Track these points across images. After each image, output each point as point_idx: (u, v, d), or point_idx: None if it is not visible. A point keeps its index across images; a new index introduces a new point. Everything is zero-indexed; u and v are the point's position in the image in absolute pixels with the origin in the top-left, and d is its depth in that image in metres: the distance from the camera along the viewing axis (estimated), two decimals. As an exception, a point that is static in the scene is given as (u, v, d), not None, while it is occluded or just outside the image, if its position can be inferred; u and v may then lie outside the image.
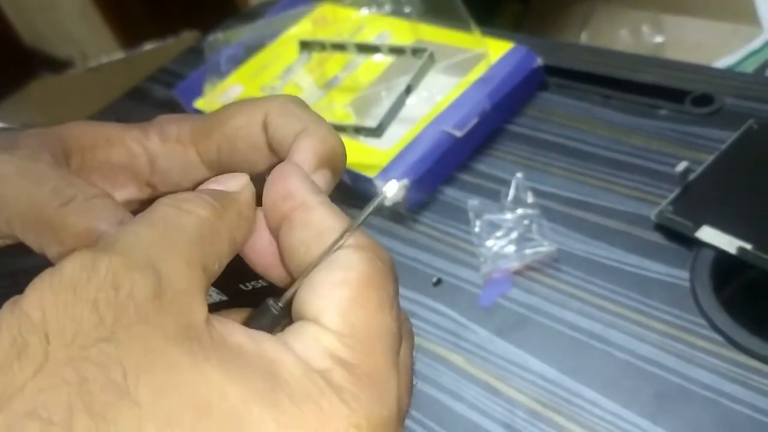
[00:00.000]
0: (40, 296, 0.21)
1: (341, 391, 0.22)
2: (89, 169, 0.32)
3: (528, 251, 0.55)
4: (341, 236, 0.25)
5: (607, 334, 0.50)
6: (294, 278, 0.26)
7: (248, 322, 0.25)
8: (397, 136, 0.64)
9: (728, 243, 0.50)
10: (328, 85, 0.72)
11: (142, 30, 1.60)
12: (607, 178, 0.60)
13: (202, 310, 0.22)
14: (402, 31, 0.74)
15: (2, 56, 1.92)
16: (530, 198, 0.59)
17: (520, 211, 0.58)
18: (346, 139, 0.54)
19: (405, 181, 0.60)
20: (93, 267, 0.21)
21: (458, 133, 0.63)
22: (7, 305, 0.21)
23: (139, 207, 0.33)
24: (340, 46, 0.75)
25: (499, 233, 0.57)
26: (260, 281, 0.29)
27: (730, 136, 0.57)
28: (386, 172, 0.61)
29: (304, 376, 0.22)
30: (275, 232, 0.27)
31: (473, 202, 0.60)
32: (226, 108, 0.32)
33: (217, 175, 0.29)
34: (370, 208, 0.26)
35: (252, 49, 0.79)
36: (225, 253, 0.25)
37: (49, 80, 1.54)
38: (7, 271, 0.42)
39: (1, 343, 0.20)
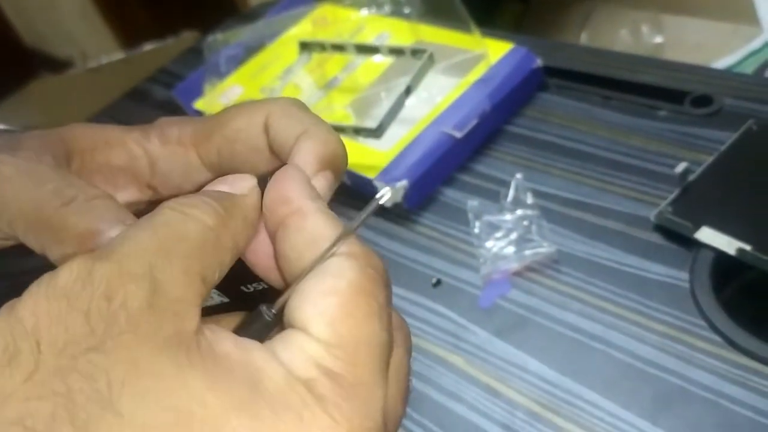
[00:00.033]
0: (35, 303, 0.21)
1: (324, 401, 0.22)
2: (90, 171, 0.32)
3: (527, 252, 0.55)
4: (334, 243, 0.25)
5: (606, 335, 0.50)
6: (288, 284, 0.26)
7: (241, 328, 0.25)
8: (397, 137, 0.64)
9: (728, 244, 0.50)
10: (328, 85, 0.72)
11: (142, 30, 1.60)
12: (606, 178, 0.60)
13: (193, 319, 0.22)
14: (402, 32, 0.74)
15: (2, 56, 1.92)
16: (530, 199, 0.59)
17: (519, 212, 0.58)
18: (346, 140, 0.54)
19: (403, 182, 0.60)
20: (88, 275, 0.21)
21: (458, 134, 0.63)
22: (3, 309, 0.21)
23: (141, 209, 0.34)
24: (339, 47, 0.75)
25: (498, 234, 0.57)
26: (262, 283, 0.29)
27: (729, 137, 0.57)
28: (386, 173, 0.61)
29: (286, 385, 0.22)
30: (272, 237, 0.27)
31: (473, 203, 0.60)
32: (226, 110, 0.32)
33: (217, 177, 0.29)
34: (363, 215, 0.26)
35: (252, 49, 0.79)
36: (226, 262, 0.25)
37: (49, 80, 1.54)
38: (9, 272, 0.42)
39: None
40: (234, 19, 0.92)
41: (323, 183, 0.28)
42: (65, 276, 0.21)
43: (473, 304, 0.55)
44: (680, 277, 0.51)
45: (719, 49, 0.80)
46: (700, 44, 0.84)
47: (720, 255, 0.50)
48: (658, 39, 0.88)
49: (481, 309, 0.54)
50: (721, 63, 0.78)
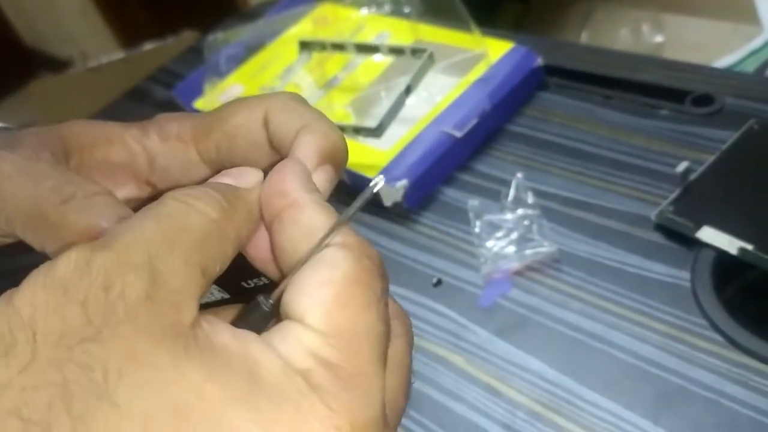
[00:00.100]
0: (33, 293, 0.21)
1: (322, 391, 0.21)
2: (89, 167, 0.32)
3: (528, 252, 0.55)
4: (328, 233, 0.25)
5: (607, 335, 0.50)
6: (285, 276, 0.26)
7: (239, 319, 0.25)
8: (397, 137, 0.64)
9: (729, 243, 0.50)
10: (328, 85, 0.72)
11: (142, 30, 1.60)
12: (607, 178, 0.60)
13: (191, 311, 0.22)
14: (402, 31, 0.74)
15: (2, 56, 1.92)
16: (530, 198, 0.59)
17: (520, 211, 0.58)
18: (346, 139, 0.54)
19: (403, 182, 0.59)
20: (86, 265, 0.21)
21: (458, 134, 0.63)
22: (1, 299, 0.21)
23: (139, 206, 0.33)
24: (339, 46, 0.75)
25: (499, 234, 0.57)
26: (262, 279, 0.29)
27: (730, 136, 0.57)
28: (386, 173, 0.61)
29: (284, 376, 0.21)
30: (269, 229, 0.27)
31: (473, 203, 0.60)
32: (226, 106, 0.32)
33: (216, 173, 0.29)
34: (357, 204, 0.26)
35: (252, 48, 0.79)
36: (228, 255, 0.25)
37: (49, 80, 1.54)
38: (7, 270, 0.42)
39: None
40: (234, 18, 0.92)
41: (324, 177, 0.28)
42: (63, 266, 0.21)
43: (474, 304, 0.54)
44: (681, 276, 0.51)
45: (720, 48, 0.80)
46: (700, 43, 0.84)
47: (721, 254, 0.50)
48: (659, 38, 0.88)
49: (481, 308, 0.54)
50: (722, 62, 0.78)
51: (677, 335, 0.48)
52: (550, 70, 0.69)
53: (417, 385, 0.50)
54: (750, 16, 0.80)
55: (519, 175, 0.60)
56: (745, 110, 0.60)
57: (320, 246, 0.24)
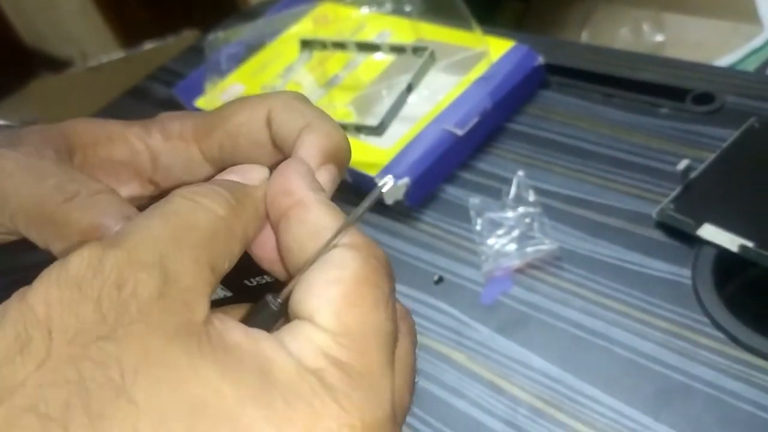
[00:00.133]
0: (46, 291, 0.21)
1: (334, 390, 0.21)
2: (91, 165, 0.32)
3: (529, 249, 0.55)
4: (336, 234, 0.25)
5: (608, 332, 0.50)
6: (291, 276, 0.26)
7: (248, 318, 0.25)
8: (398, 135, 0.64)
9: (730, 241, 0.50)
10: (329, 83, 0.72)
11: (143, 29, 1.60)
12: (608, 176, 0.60)
13: (203, 309, 0.22)
14: (403, 30, 0.74)
15: (2, 56, 1.92)
16: (531, 196, 0.59)
17: (521, 209, 0.58)
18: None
19: (405, 180, 0.60)
20: (99, 263, 0.21)
21: (459, 132, 0.63)
22: (14, 297, 0.21)
23: (142, 204, 0.33)
24: (340, 45, 0.75)
25: (500, 231, 0.57)
26: (265, 277, 0.29)
27: (731, 135, 0.57)
28: (387, 171, 0.61)
29: (297, 375, 0.21)
30: (275, 229, 0.27)
31: (474, 201, 0.60)
32: (228, 105, 0.32)
33: (219, 172, 0.29)
34: (366, 204, 0.26)
35: (253, 47, 0.79)
36: (236, 252, 0.25)
37: (49, 80, 1.54)
38: (12, 267, 0.42)
39: (5, 336, 0.20)
40: (235, 17, 0.92)
41: (326, 176, 0.28)
42: (76, 264, 0.21)
43: (475, 301, 0.55)
44: (682, 274, 0.51)
45: (720, 47, 0.80)
46: (700, 43, 0.84)
47: (722, 252, 0.50)
48: (659, 37, 0.88)
49: (483, 306, 0.54)
50: (722, 61, 0.78)
51: (678, 332, 0.48)
52: (550, 68, 0.69)
53: (420, 382, 0.51)
54: (750, 15, 0.80)
55: (520, 173, 0.60)
56: (746, 108, 0.60)
57: (328, 246, 0.25)
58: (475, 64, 0.67)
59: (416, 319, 0.44)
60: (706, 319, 0.48)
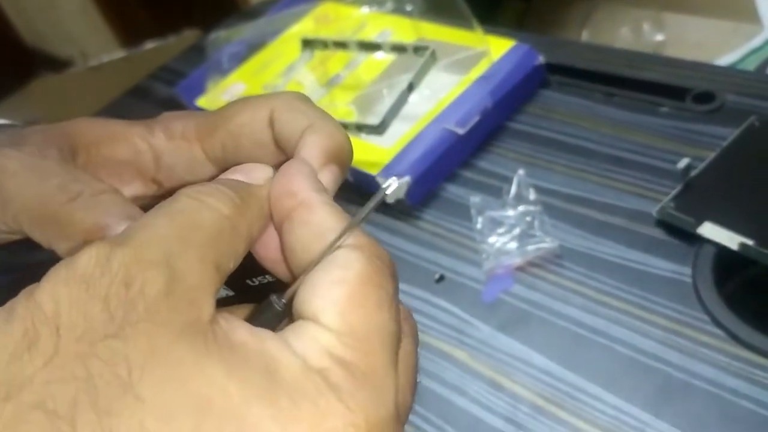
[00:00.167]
0: (54, 288, 0.21)
1: (339, 390, 0.22)
2: (95, 165, 0.32)
3: (530, 247, 0.55)
4: (341, 234, 0.25)
5: (609, 330, 0.50)
6: (295, 276, 0.26)
7: (252, 318, 0.25)
8: (399, 134, 0.64)
9: (730, 239, 0.50)
10: (330, 83, 0.72)
11: (143, 29, 1.60)
12: (608, 174, 0.60)
13: (209, 308, 0.22)
14: (403, 29, 0.74)
15: (3, 56, 1.92)
16: (532, 195, 0.59)
17: (522, 207, 0.58)
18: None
19: (406, 178, 0.60)
20: (107, 262, 0.21)
21: (460, 131, 0.63)
22: (22, 294, 0.21)
23: (145, 204, 0.34)
24: (342, 44, 0.75)
25: (501, 230, 0.57)
26: (267, 277, 0.29)
27: (731, 133, 0.57)
28: (388, 170, 0.61)
29: (302, 374, 0.22)
30: (278, 229, 0.27)
31: (475, 199, 0.60)
32: (230, 105, 0.32)
33: (222, 172, 0.30)
34: (370, 206, 0.26)
35: (254, 47, 0.79)
36: (240, 251, 0.25)
37: (49, 79, 1.54)
38: (15, 266, 0.42)
39: (13, 333, 0.20)
40: (236, 16, 0.92)
41: (329, 177, 0.28)
42: (84, 262, 0.21)
43: (476, 299, 0.55)
44: (683, 272, 0.51)
45: (720, 47, 0.80)
46: (701, 42, 0.85)
47: (722, 250, 0.50)
48: (659, 37, 0.88)
49: (484, 304, 0.54)
50: (722, 61, 0.78)
51: (679, 330, 0.48)
52: (551, 67, 0.69)
53: (421, 380, 0.51)
54: (750, 15, 0.80)
55: (521, 171, 0.60)
56: (746, 107, 0.60)
57: (333, 247, 0.25)
58: (476, 64, 0.67)
59: (417, 317, 0.44)
60: (706, 317, 0.49)
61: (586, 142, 0.63)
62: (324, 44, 0.76)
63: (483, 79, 0.66)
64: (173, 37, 1.39)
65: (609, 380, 0.47)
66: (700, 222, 0.52)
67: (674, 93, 0.64)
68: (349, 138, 0.30)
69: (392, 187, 0.27)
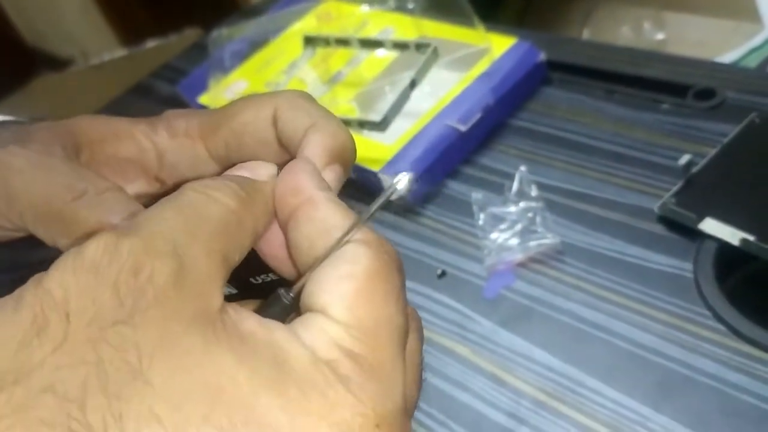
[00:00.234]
0: (63, 276, 0.21)
1: (348, 381, 0.22)
2: (98, 162, 0.32)
3: (532, 243, 0.56)
4: (349, 230, 0.25)
5: (610, 325, 0.50)
6: (301, 273, 0.26)
7: (260, 311, 0.26)
8: (401, 131, 0.64)
9: (731, 234, 0.50)
10: (333, 80, 0.72)
11: (144, 28, 1.60)
12: (610, 171, 0.60)
13: (218, 298, 0.22)
14: (405, 27, 0.74)
15: (3, 56, 1.92)
16: (534, 191, 0.59)
17: (523, 204, 0.58)
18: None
19: (412, 174, 0.60)
20: (115, 250, 0.21)
21: (462, 128, 0.63)
22: (31, 282, 0.21)
23: (149, 202, 0.34)
24: (344, 42, 0.75)
25: (503, 226, 0.58)
26: (270, 275, 0.29)
27: (732, 130, 0.58)
28: (390, 166, 0.61)
29: (311, 365, 0.22)
30: (283, 227, 0.27)
31: (477, 196, 0.60)
32: (233, 103, 0.32)
33: (225, 170, 0.30)
34: (379, 202, 0.26)
35: (256, 44, 0.80)
36: (246, 244, 0.25)
37: (50, 78, 1.54)
38: (18, 264, 0.42)
39: (21, 319, 0.20)
40: (238, 14, 0.93)
41: (332, 176, 0.29)
42: (92, 249, 0.21)
43: (478, 295, 0.55)
44: (684, 267, 0.51)
45: (720, 46, 0.80)
46: (701, 41, 0.85)
47: (723, 245, 0.51)
48: (660, 36, 0.88)
49: (486, 300, 0.54)
50: (723, 60, 0.78)
51: (680, 325, 0.49)
52: (552, 65, 0.69)
53: (424, 375, 0.51)
54: (751, 13, 0.80)
55: (522, 168, 0.61)
56: (747, 104, 0.60)
57: (341, 242, 0.25)
58: (478, 61, 0.67)
59: (420, 313, 0.44)
60: (707, 312, 0.49)
61: (588, 138, 0.63)
62: (326, 42, 0.76)
63: (484, 76, 0.66)
64: (174, 36, 1.39)
65: (610, 375, 0.48)
66: (701, 218, 0.52)
67: (675, 90, 0.64)
68: (352, 137, 0.30)
69: (402, 182, 0.27)
